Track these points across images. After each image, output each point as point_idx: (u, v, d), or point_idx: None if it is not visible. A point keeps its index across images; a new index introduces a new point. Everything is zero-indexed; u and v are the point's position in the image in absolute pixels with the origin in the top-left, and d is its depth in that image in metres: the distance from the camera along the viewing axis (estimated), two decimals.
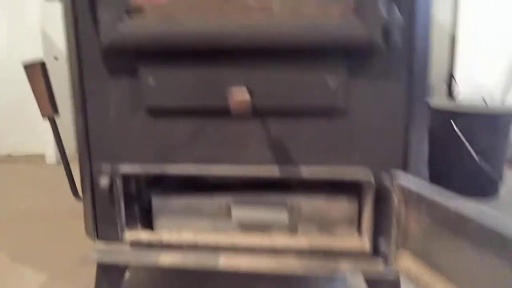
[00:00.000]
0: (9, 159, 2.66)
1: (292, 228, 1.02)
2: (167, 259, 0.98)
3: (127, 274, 1.18)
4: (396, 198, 0.84)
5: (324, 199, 1.02)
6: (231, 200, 1.04)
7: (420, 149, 0.92)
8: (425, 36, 0.89)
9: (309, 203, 1.02)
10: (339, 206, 1.02)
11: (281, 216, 1.02)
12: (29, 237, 1.48)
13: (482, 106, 1.88)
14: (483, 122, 1.76)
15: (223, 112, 0.92)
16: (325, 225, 1.02)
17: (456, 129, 1.76)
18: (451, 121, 1.75)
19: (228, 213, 1.03)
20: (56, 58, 2.53)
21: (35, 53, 2.45)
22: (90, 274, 1.04)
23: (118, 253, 1.01)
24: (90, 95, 0.97)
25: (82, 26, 0.93)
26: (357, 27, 0.82)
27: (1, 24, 2.61)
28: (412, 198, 0.80)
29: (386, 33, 0.83)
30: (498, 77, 2.20)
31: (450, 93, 2.15)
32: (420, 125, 0.91)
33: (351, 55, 0.87)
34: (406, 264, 0.83)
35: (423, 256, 0.80)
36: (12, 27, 2.58)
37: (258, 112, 0.91)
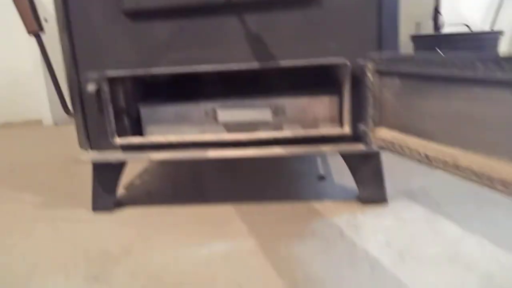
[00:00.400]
0: (7, 125, 2.70)
1: (277, 128, 1.05)
2: (158, 155, 1.02)
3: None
4: (369, 71, 0.87)
5: (306, 98, 1.06)
6: (217, 105, 1.07)
7: (393, 33, 0.94)
8: None
9: (292, 103, 1.05)
10: (321, 104, 1.05)
11: (265, 115, 1.05)
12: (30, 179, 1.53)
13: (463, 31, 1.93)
14: (464, 44, 1.80)
15: (201, 11, 0.95)
16: (308, 123, 1.05)
17: (439, 51, 1.79)
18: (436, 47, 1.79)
19: (215, 117, 1.07)
20: (46, 20, 2.53)
21: None
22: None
23: (111, 154, 1.05)
24: (72, 8, 1.00)
25: None
26: None
27: None
28: (383, 65, 0.83)
29: None
30: (482, 11, 2.22)
31: (436, 27, 2.16)
32: (392, 11, 0.93)
33: None
34: (383, 136, 0.86)
35: (397, 125, 0.84)
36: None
37: (235, 8, 0.94)
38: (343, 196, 1.07)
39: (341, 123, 1.01)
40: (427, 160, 0.73)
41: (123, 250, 0.86)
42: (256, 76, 1.19)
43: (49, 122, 2.64)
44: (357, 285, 0.68)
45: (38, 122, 2.68)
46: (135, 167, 1.49)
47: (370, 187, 1.00)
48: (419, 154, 0.75)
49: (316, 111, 1.05)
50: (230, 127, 1.07)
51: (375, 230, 0.87)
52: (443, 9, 2.20)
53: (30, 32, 1.08)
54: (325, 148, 0.97)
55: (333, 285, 0.69)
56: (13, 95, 2.71)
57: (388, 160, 1.17)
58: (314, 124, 1.05)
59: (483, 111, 0.61)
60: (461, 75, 0.64)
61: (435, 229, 0.86)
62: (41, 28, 1.08)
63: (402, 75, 0.80)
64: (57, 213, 1.10)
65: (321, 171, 1.27)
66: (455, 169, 0.66)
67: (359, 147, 0.95)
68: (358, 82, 0.92)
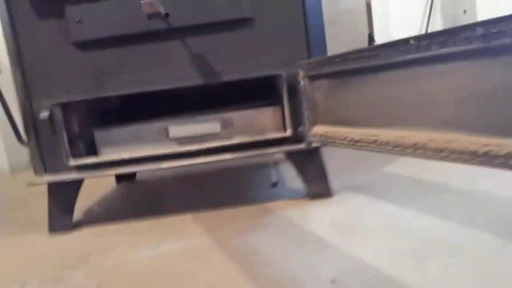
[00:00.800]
0: None
1: (226, 139, 1.13)
2: (113, 171, 1.07)
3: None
4: (300, 77, 0.97)
5: (252, 110, 1.15)
6: (169, 123, 1.14)
7: (320, 42, 1.07)
8: None
9: (239, 116, 1.14)
10: (266, 114, 1.14)
11: (215, 128, 1.13)
12: None
13: None
14: None
15: (145, 36, 1.04)
16: (256, 132, 1.13)
17: None
18: None
19: (167, 134, 1.13)
20: None
21: None
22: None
23: (66, 175, 1.08)
24: (22, 42, 1.06)
25: None
26: None
27: None
28: (311, 69, 0.94)
29: None
30: (411, 28, 2.47)
31: None
32: (317, 22, 1.06)
33: None
34: (318, 132, 0.96)
35: (329, 121, 0.94)
36: None
37: (177, 32, 1.03)
38: (294, 196, 1.14)
39: (285, 129, 1.11)
40: (354, 144, 0.83)
41: (80, 258, 0.89)
42: (205, 93, 1.28)
43: (6, 170, 2.58)
44: (303, 258, 0.75)
45: None
46: (93, 194, 1.51)
47: (316, 183, 1.09)
48: (347, 140, 0.85)
49: (262, 121, 1.14)
50: (182, 142, 1.14)
51: (321, 217, 0.95)
52: (376, 32, 2.44)
53: None
54: (270, 150, 1.05)
55: (281, 260, 0.75)
56: None
57: (333, 163, 1.27)
58: (261, 133, 1.13)
59: (389, 92, 0.72)
60: (369, 64, 0.75)
61: (376, 210, 0.95)
62: None
63: (327, 76, 0.91)
64: (13, 239, 1.10)
65: (275, 179, 1.35)
66: (376, 145, 0.76)
67: (300, 146, 1.04)
68: (293, 89, 1.02)
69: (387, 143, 0.74)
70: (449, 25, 2.54)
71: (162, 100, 1.33)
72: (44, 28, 1.04)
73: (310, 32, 1.05)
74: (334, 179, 1.15)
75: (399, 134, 0.71)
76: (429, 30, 2.54)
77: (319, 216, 0.96)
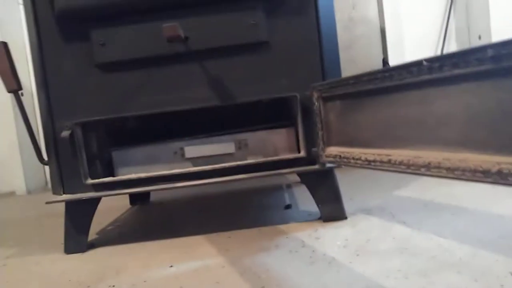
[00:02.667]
0: None
1: (241, 159, 1.14)
2: (129, 190, 1.09)
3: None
4: (314, 98, 0.99)
5: (266, 131, 1.17)
6: (184, 144, 1.16)
7: (335, 65, 1.09)
8: None
9: (254, 137, 1.16)
10: (280, 136, 1.16)
11: (229, 149, 1.14)
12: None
13: None
14: None
15: (165, 59, 1.08)
16: (269, 153, 1.15)
17: None
18: None
19: (183, 155, 1.16)
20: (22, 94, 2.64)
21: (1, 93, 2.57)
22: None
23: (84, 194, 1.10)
24: (48, 64, 1.11)
25: (38, 1, 1.09)
26: None
27: None
28: (325, 91, 0.96)
29: None
30: (425, 53, 2.47)
31: None
32: (331, 46, 1.09)
33: None
34: (331, 153, 0.96)
35: (342, 141, 0.95)
36: None
37: (195, 55, 1.07)
38: (307, 218, 1.14)
39: (298, 150, 1.12)
40: (368, 164, 0.83)
41: (95, 278, 0.89)
42: (221, 113, 1.30)
43: (23, 192, 2.64)
44: (315, 278, 0.74)
45: (12, 194, 2.67)
46: (107, 216, 1.53)
47: (329, 205, 1.08)
48: (361, 160, 0.85)
49: (276, 142, 1.15)
50: (197, 163, 1.16)
51: (333, 238, 0.94)
52: (390, 56, 2.46)
53: (9, 90, 1.17)
54: (284, 171, 1.06)
55: (293, 280, 0.74)
56: None
57: (346, 185, 1.27)
58: (275, 154, 1.15)
59: (402, 113, 0.73)
60: (382, 85, 0.76)
61: (388, 232, 0.94)
62: (19, 86, 1.17)
63: (341, 97, 0.92)
64: (29, 259, 1.12)
65: (288, 201, 1.35)
66: (390, 165, 0.76)
67: (314, 167, 1.05)
68: (308, 111, 1.04)
69: (400, 163, 0.74)
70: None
71: (178, 121, 1.36)
72: (69, 50, 1.09)
73: (325, 55, 1.08)
74: (347, 201, 1.15)
75: (412, 154, 0.71)
76: None
77: (331, 238, 0.95)
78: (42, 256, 1.13)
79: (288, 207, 1.29)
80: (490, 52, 0.54)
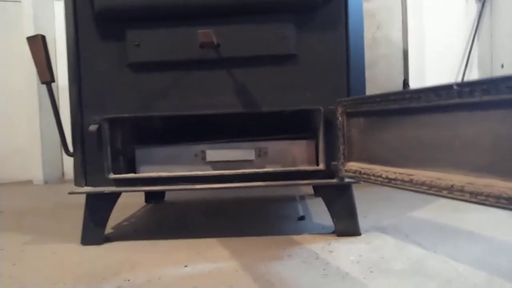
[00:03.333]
0: None
1: (260, 167, 1.16)
2: (149, 187, 1.11)
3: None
4: (338, 113, 1.01)
5: (287, 142, 1.18)
6: (206, 147, 1.19)
7: (360, 82, 1.10)
8: None
9: (274, 146, 1.18)
10: (300, 147, 1.17)
11: (249, 156, 1.16)
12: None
13: None
14: None
15: (195, 63, 1.11)
16: (288, 163, 1.16)
17: None
18: None
19: (203, 158, 1.18)
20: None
21: (28, 84, 2.64)
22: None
23: (105, 187, 1.13)
24: (83, 60, 1.15)
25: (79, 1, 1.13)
26: None
27: None
28: (349, 106, 0.97)
29: None
30: (445, 77, 2.48)
31: None
32: (358, 64, 1.11)
33: (297, 10, 1.08)
34: (352, 168, 0.98)
35: (364, 158, 0.96)
36: (4, 58, 2.77)
37: (224, 62, 1.10)
38: (321, 231, 1.15)
39: (317, 163, 1.13)
40: (389, 181, 0.84)
41: (111, 272, 0.91)
42: (245, 120, 1.32)
43: (40, 182, 2.69)
44: None
45: (29, 182, 2.73)
46: (122, 212, 1.55)
47: (345, 220, 1.09)
48: (382, 178, 0.86)
49: (295, 153, 1.17)
50: (217, 166, 1.18)
51: (347, 253, 0.95)
52: (411, 78, 2.47)
53: (43, 82, 1.21)
54: (302, 182, 1.08)
55: None
56: (5, 156, 2.79)
57: (362, 201, 1.28)
58: (294, 164, 1.16)
59: (429, 134, 0.74)
60: (409, 106, 0.78)
61: (403, 252, 0.94)
62: (52, 79, 1.21)
63: (365, 114, 0.94)
64: (46, 247, 1.14)
65: (301, 213, 1.36)
66: (411, 184, 0.77)
67: (333, 181, 1.06)
68: (330, 125, 1.06)
69: (423, 183, 0.75)
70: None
71: (202, 124, 1.38)
72: (104, 48, 1.13)
73: (352, 71, 1.09)
74: (361, 218, 1.15)
75: (435, 175, 0.72)
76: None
77: (345, 253, 0.96)
78: (58, 245, 1.15)
79: (301, 218, 1.30)
80: None
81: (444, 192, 0.69)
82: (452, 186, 0.68)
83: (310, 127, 1.20)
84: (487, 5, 2.53)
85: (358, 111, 0.96)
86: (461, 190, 0.66)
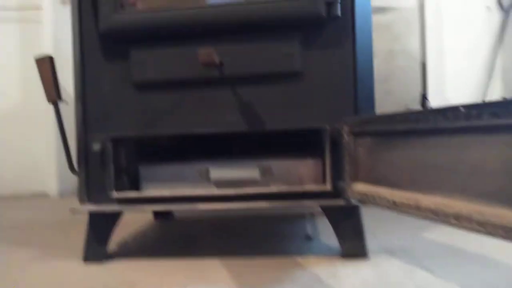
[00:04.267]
0: (14, 198, 2.78)
1: (264, 186, 1.13)
2: (151, 207, 1.10)
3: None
4: (345, 132, 0.97)
5: (292, 160, 1.15)
6: (210, 165, 1.17)
7: (368, 100, 1.06)
8: (365, 7, 1.08)
9: (279, 165, 1.15)
10: (306, 166, 1.14)
11: (254, 174, 1.13)
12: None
13: None
14: None
15: (198, 82, 1.09)
16: (294, 182, 1.13)
17: None
18: None
19: (207, 176, 1.15)
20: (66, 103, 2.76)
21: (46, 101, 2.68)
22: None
23: (107, 206, 1.12)
24: (88, 79, 1.15)
25: (85, 20, 1.13)
26: (304, 3, 1.02)
27: (16, 78, 2.88)
28: (356, 125, 0.94)
29: (329, 6, 1.02)
30: (466, 90, 2.40)
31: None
32: (366, 80, 1.07)
33: (302, 27, 1.05)
34: (358, 189, 0.93)
35: (370, 179, 0.92)
36: (24, 77, 2.84)
37: (228, 80, 1.08)
38: (326, 252, 1.11)
39: (324, 182, 1.09)
40: (395, 206, 0.80)
41: None
42: (248, 138, 1.30)
43: (55, 194, 2.72)
44: None
45: (44, 195, 2.77)
46: (130, 228, 1.54)
47: (351, 242, 1.04)
48: (388, 201, 0.82)
49: (301, 172, 1.13)
50: (221, 185, 1.15)
51: (351, 278, 0.90)
52: (429, 91, 2.40)
53: (49, 100, 1.22)
54: (307, 203, 1.04)
55: None
56: (22, 169, 2.84)
57: (371, 222, 1.23)
58: (299, 183, 1.13)
59: (434, 157, 0.70)
60: (416, 127, 0.74)
61: (411, 279, 0.89)
62: (59, 97, 1.21)
63: (372, 134, 0.90)
64: (49, 264, 1.14)
65: (309, 232, 1.31)
66: (417, 210, 0.73)
67: (339, 201, 1.02)
68: (336, 144, 1.02)
69: (428, 209, 0.70)
70: (510, 90, 2.44)
71: (206, 142, 1.37)
72: (109, 67, 1.13)
73: (359, 89, 1.06)
74: (370, 238, 1.11)
75: (441, 202, 0.68)
76: (488, 95, 2.45)
77: (349, 277, 0.91)
78: (62, 262, 1.14)
79: (308, 238, 1.26)
80: None
81: (452, 220, 0.65)
82: (458, 214, 0.63)
83: (317, 145, 1.17)
84: None
85: (364, 130, 0.92)
86: (469, 219, 0.61)
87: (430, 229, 1.30)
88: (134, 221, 1.66)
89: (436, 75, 2.43)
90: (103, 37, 1.12)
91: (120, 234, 1.43)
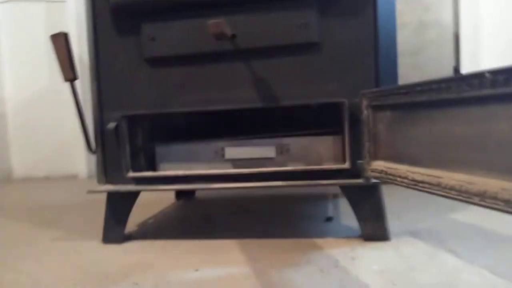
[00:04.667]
0: (46, 179, 2.88)
1: (282, 165, 1.09)
2: (166, 186, 1.08)
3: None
4: (364, 106, 0.91)
5: (310, 138, 1.10)
6: (226, 144, 1.14)
7: (391, 72, 1.00)
8: None
9: (297, 142, 1.10)
10: (325, 143, 1.09)
11: (270, 153, 1.10)
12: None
13: None
14: None
15: (211, 56, 1.05)
16: (313, 161, 1.08)
17: None
18: None
19: (223, 155, 1.13)
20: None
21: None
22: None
23: (123, 186, 1.12)
24: (102, 57, 1.14)
25: None
26: None
27: (43, 58, 2.94)
28: (375, 99, 0.87)
29: None
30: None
31: None
32: (389, 51, 1.00)
33: None
34: (377, 167, 0.88)
35: (390, 156, 0.86)
36: (50, 57, 2.89)
37: (242, 54, 1.03)
38: (346, 234, 1.06)
39: (344, 161, 1.04)
40: (416, 185, 0.74)
41: (121, 273, 0.89)
42: (266, 114, 1.26)
43: (84, 176, 2.80)
44: None
45: (74, 177, 2.84)
46: (152, 208, 1.55)
47: (372, 223, 0.99)
48: (408, 179, 0.76)
49: (320, 150, 1.09)
50: (237, 164, 1.12)
51: (371, 261, 0.86)
52: (463, 65, 2.26)
53: (66, 79, 1.22)
54: (325, 182, 0.99)
55: None
56: (53, 151, 2.92)
57: (395, 202, 1.17)
58: (318, 162, 1.08)
59: (458, 131, 0.64)
60: (438, 98, 0.67)
61: (434, 262, 0.84)
62: (75, 76, 1.21)
63: (392, 107, 0.84)
64: (71, 244, 1.15)
65: (330, 213, 1.27)
66: (439, 189, 0.67)
67: (358, 181, 0.97)
68: (356, 119, 0.96)
69: (452, 188, 0.64)
70: None
71: (224, 119, 1.34)
72: (121, 44, 1.11)
73: (381, 60, 0.99)
74: (395, 220, 1.06)
75: (466, 179, 0.62)
76: None
77: (369, 260, 0.87)
78: (83, 242, 1.16)
79: (329, 219, 1.22)
80: None
81: (476, 199, 0.59)
82: (484, 192, 0.57)
83: (337, 121, 1.11)
84: None
85: (384, 104, 0.86)
86: (495, 198, 0.55)
87: (460, 210, 1.23)
88: (156, 201, 1.67)
89: (471, 47, 2.27)
90: (114, 12, 1.10)
91: (141, 215, 1.45)
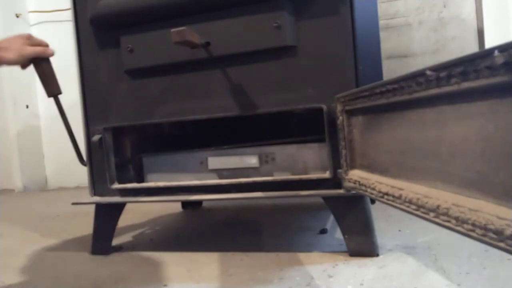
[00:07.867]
0: (77, 189, 2.99)
1: (267, 174, 1.04)
2: (149, 198, 1.06)
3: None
4: (338, 112, 0.84)
5: (295, 146, 1.04)
6: (210, 154, 1.10)
7: (373, 75, 0.92)
8: None
9: (281, 151, 1.05)
10: (311, 151, 1.02)
11: (252, 161, 1.05)
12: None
13: None
14: None
15: (187, 66, 1.03)
16: (298, 170, 1.02)
17: None
18: None
19: (206, 166, 1.10)
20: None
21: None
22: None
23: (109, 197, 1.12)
24: (86, 70, 1.14)
25: (79, 9, 1.12)
26: None
27: (72, 75, 3.05)
28: (348, 103, 0.81)
29: None
30: None
31: None
32: (369, 52, 0.92)
33: None
34: (353, 177, 0.81)
35: (364, 165, 0.79)
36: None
37: (217, 61, 1.00)
38: (333, 248, 0.99)
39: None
40: (382, 197, 0.67)
41: (91, 286, 0.88)
42: (253, 123, 1.21)
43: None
44: None
45: (76, 188, 2.94)
46: (152, 219, 1.54)
47: (357, 237, 0.92)
48: (376, 191, 0.69)
49: (306, 159, 1.02)
50: (222, 174, 1.09)
51: (348, 279, 0.78)
52: None
53: (50, 95, 1.22)
54: (304, 193, 0.93)
55: None
56: (70, 164, 3.02)
57: (399, 218, 1.08)
58: (305, 171, 1.02)
59: (414, 136, 0.57)
60: (394, 100, 0.60)
61: (419, 282, 0.75)
62: (59, 91, 1.21)
63: (362, 111, 0.77)
64: (61, 254, 1.17)
65: (327, 226, 1.20)
66: (401, 202, 0.60)
67: (339, 191, 0.90)
68: (334, 126, 0.90)
69: (411, 201, 0.57)
70: None
71: (208, 128, 1.31)
72: (102, 57, 1.11)
73: (360, 62, 0.92)
74: (394, 233, 0.97)
75: (424, 192, 0.55)
76: None
77: (346, 278, 0.79)
78: (74, 253, 1.17)
79: (323, 231, 1.15)
80: (500, 59, 0.37)
81: (431, 215, 0.52)
82: (437, 207, 0.50)
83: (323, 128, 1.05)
84: None
85: (355, 108, 0.79)
86: (447, 214, 0.48)
87: None
88: (162, 211, 1.66)
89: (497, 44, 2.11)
90: (94, 25, 1.10)
91: (142, 225, 1.44)
